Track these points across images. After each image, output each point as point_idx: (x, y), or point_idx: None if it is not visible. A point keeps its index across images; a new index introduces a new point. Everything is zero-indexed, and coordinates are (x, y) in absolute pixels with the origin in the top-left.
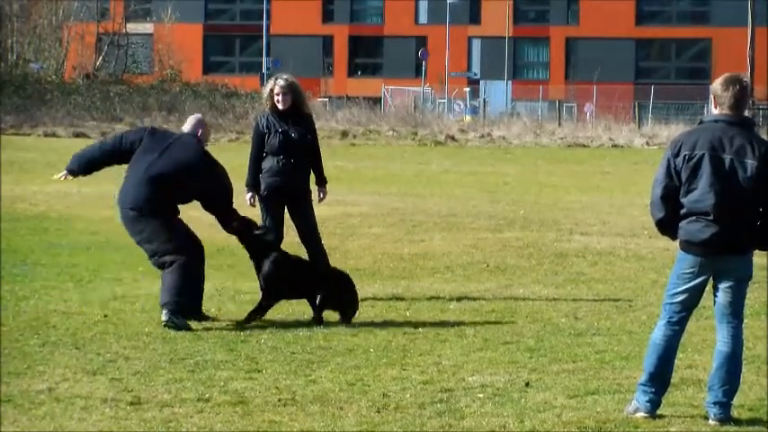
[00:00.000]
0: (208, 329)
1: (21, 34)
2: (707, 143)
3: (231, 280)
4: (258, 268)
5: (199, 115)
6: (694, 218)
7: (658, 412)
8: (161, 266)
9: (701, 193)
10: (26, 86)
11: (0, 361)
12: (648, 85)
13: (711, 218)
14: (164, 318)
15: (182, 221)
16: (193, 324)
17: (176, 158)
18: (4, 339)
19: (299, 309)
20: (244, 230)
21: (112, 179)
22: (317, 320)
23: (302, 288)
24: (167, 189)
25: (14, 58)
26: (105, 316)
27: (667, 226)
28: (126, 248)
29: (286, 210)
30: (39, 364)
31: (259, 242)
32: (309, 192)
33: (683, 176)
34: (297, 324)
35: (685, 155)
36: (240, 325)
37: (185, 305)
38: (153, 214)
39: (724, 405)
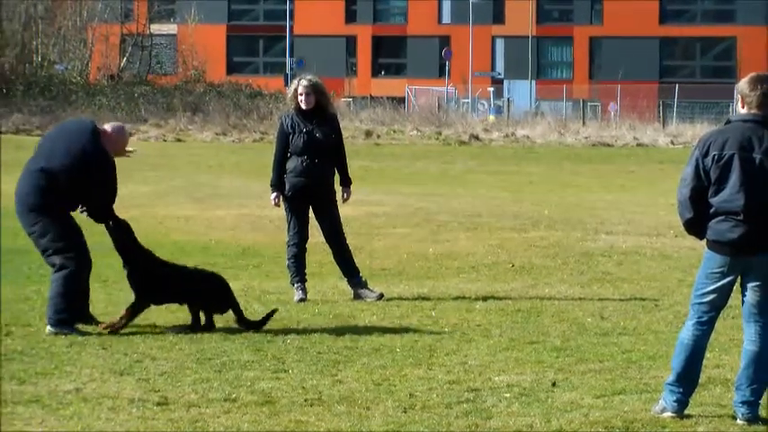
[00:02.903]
0: (234, 330)
1: (45, 36)
2: (736, 143)
3: (257, 280)
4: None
5: (119, 124)
6: (723, 217)
7: (686, 412)
8: (51, 266)
9: (730, 193)
10: (51, 88)
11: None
12: (673, 84)
13: (741, 217)
14: (48, 331)
15: (72, 219)
16: (219, 324)
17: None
18: (31, 340)
19: (324, 309)
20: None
21: (134, 179)
22: (207, 326)
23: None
24: (53, 184)
25: (39, 59)
26: None
27: (695, 226)
28: (150, 249)
29: (311, 210)
30: (66, 364)
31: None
32: (334, 192)
33: (713, 176)
34: (323, 324)
35: (714, 155)
36: (113, 330)
37: (67, 318)
38: (39, 210)
39: (752, 404)
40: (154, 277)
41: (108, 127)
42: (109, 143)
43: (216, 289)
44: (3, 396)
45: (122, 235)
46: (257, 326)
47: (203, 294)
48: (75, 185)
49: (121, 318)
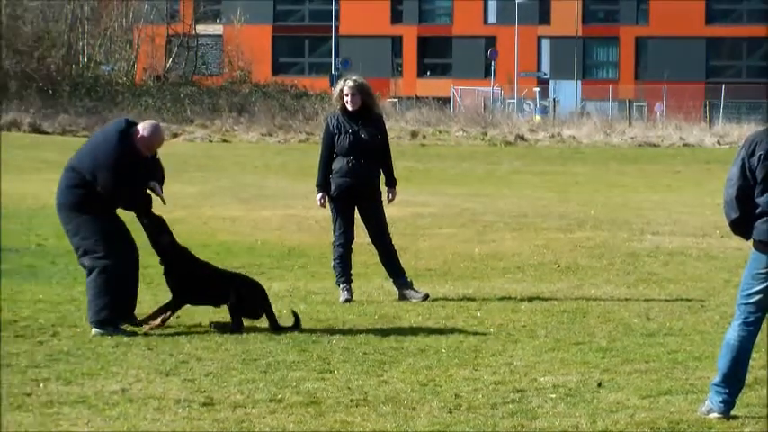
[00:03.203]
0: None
1: (91, 37)
2: None
3: (302, 281)
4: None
5: (153, 122)
6: None
7: (732, 413)
8: (83, 268)
9: None
10: (97, 88)
11: None
12: (719, 84)
13: None
14: (93, 332)
15: (112, 220)
16: (263, 324)
17: (89, 152)
18: (77, 340)
19: (369, 309)
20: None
21: (181, 179)
22: (234, 328)
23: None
24: (83, 184)
25: (85, 60)
26: (177, 317)
27: (741, 226)
28: (196, 249)
29: (356, 210)
30: (112, 364)
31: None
32: (380, 192)
33: (759, 176)
34: (368, 324)
35: (760, 154)
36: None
37: (108, 318)
38: (73, 209)
39: None
40: (189, 276)
41: (140, 127)
42: (141, 141)
43: (251, 294)
44: (48, 397)
45: (156, 231)
46: (292, 329)
47: (238, 298)
48: (104, 185)
49: (161, 319)
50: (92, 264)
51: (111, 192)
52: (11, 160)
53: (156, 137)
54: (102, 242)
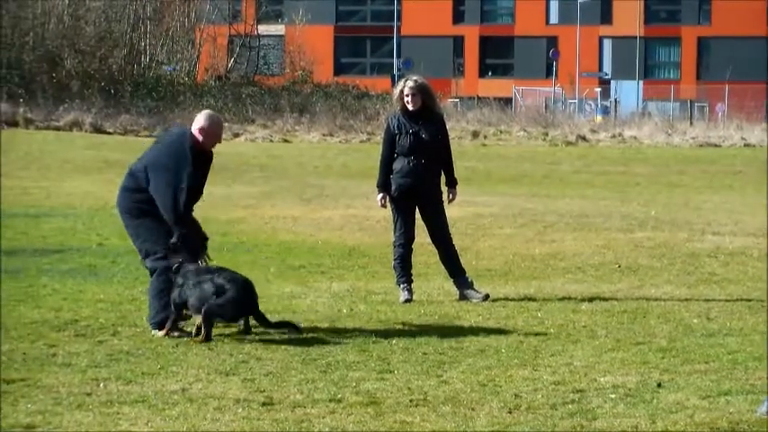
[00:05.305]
0: (340, 331)
1: (153, 37)
2: None
3: (363, 281)
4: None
5: (206, 112)
6: None
7: None
8: (147, 269)
9: None
10: (159, 88)
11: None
12: None
13: None
14: (152, 334)
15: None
16: (325, 325)
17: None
18: (137, 340)
19: (429, 309)
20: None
21: (242, 180)
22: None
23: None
24: (140, 187)
25: (147, 60)
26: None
27: None
28: (257, 249)
29: (417, 210)
30: (172, 364)
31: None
32: (440, 192)
33: None
34: (428, 325)
35: None
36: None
37: (166, 321)
38: (131, 212)
39: None
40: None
41: (196, 120)
42: (202, 132)
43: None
44: (108, 396)
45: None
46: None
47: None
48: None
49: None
50: (152, 265)
51: (156, 190)
52: (73, 160)
53: (215, 126)
54: (161, 243)
